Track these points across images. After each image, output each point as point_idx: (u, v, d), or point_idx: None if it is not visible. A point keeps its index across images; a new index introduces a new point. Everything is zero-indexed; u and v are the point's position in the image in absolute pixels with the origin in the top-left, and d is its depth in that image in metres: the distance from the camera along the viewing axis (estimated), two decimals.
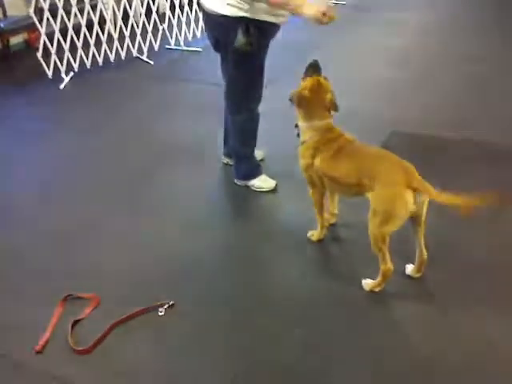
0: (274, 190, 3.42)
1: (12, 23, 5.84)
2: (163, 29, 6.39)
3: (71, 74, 5.45)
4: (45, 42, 5.27)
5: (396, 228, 2.38)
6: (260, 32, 2.86)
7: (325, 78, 2.69)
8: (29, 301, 2.55)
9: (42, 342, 2.27)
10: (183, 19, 6.51)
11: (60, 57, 5.38)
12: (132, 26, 6.04)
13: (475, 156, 3.79)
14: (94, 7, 5.66)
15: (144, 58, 6.07)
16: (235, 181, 3.50)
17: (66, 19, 5.34)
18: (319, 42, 6.25)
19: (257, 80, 3.17)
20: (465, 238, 2.94)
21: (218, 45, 3.10)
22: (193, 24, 6.68)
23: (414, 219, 2.44)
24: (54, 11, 5.24)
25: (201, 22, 6.30)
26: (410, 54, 6.11)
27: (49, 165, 3.83)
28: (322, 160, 2.64)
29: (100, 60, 5.81)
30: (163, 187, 3.51)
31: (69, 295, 2.53)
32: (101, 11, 5.73)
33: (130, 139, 4.19)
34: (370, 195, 2.43)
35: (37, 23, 5.21)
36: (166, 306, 2.46)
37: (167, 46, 6.44)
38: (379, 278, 2.52)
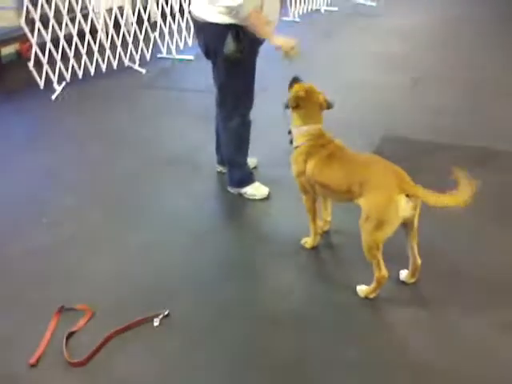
0: (266, 198, 3.42)
1: (3, 34, 5.82)
2: (155, 38, 6.40)
3: (63, 83, 5.45)
4: (36, 53, 5.26)
5: (389, 234, 2.39)
6: (250, 38, 2.90)
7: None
8: (23, 313, 2.54)
9: (36, 355, 2.26)
10: (175, 28, 6.52)
11: (52, 67, 5.37)
12: (123, 35, 6.04)
13: (465, 160, 3.81)
14: (85, 17, 5.66)
15: (136, 66, 6.07)
16: (228, 188, 3.50)
17: (57, 29, 5.34)
18: (309, 48, 6.27)
19: (248, 86, 3.18)
20: (458, 244, 2.96)
21: (208, 52, 3.12)
22: (184, 32, 6.69)
23: (406, 224, 2.45)
24: (45, 21, 5.24)
25: (192, 31, 6.32)
26: (401, 59, 6.15)
27: (40, 173, 3.82)
28: (313, 166, 2.66)
29: (92, 69, 5.81)
30: (155, 196, 3.50)
31: (63, 307, 2.51)
32: (92, 21, 5.74)
33: (123, 148, 4.18)
34: (361, 201, 2.44)
35: (28, 34, 5.20)
36: (161, 317, 2.45)
37: (159, 55, 6.45)
38: (373, 285, 2.53)
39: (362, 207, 2.44)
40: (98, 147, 4.22)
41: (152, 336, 2.38)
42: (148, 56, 6.34)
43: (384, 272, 2.48)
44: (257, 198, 3.42)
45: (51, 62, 5.37)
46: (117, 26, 6.03)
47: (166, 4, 6.46)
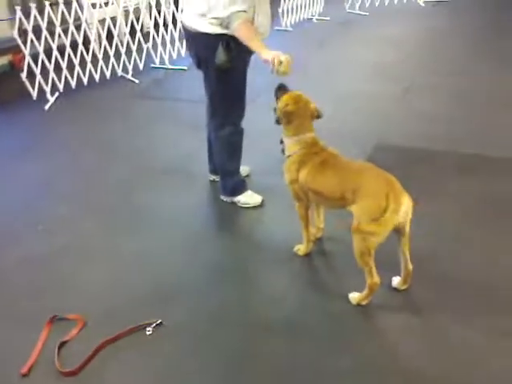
0: (259, 206, 3.43)
1: None
2: (148, 48, 6.42)
3: (56, 94, 5.46)
4: (29, 63, 5.27)
5: (380, 241, 2.40)
6: (241, 48, 2.90)
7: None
8: (14, 322, 2.53)
9: (28, 364, 2.25)
10: (167, 38, 6.55)
11: (45, 78, 5.39)
12: (116, 45, 6.07)
13: (457, 167, 3.84)
14: (78, 27, 5.69)
15: (129, 77, 6.09)
16: (221, 197, 3.51)
17: (50, 40, 5.36)
18: (300, 57, 6.31)
19: (239, 94, 3.20)
20: (449, 250, 2.96)
21: (199, 62, 3.12)
22: (177, 42, 6.72)
23: (398, 230, 2.46)
24: (37, 32, 5.26)
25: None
26: (393, 68, 6.19)
27: (33, 184, 3.82)
28: (306, 174, 2.66)
29: (85, 80, 5.82)
30: (149, 205, 3.50)
31: (55, 316, 2.51)
32: (85, 31, 5.76)
33: (116, 157, 4.19)
34: (353, 208, 2.45)
35: (21, 45, 5.22)
36: (153, 325, 2.45)
37: (152, 65, 6.47)
38: (366, 292, 2.53)
39: (354, 214, 2.45)
40: (91, 157, 4.22)
41: (144, 344, 2.37)
42: (141, 66, 6.36)
43: (376, 279, 2.48)
44: (250, 206, 3.43)
45: (44, 72, 5.39)
46: (110, 36, 6.06)
47: (159, 14, 6.50)
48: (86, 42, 5.87)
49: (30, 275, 2.86)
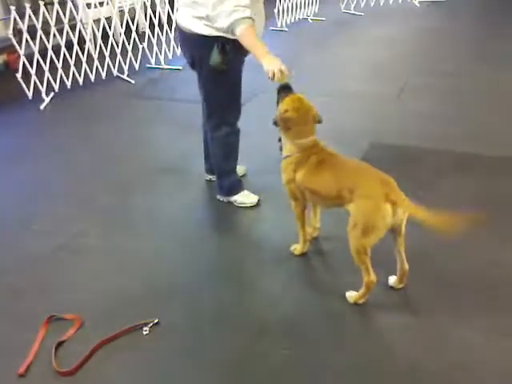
0: (256, 205, 3.43)
1: None
2: (143, 48, 6.42)
3: (52, 94, 5.45)
4: (24, 63, 5.26)
5: (376, 240, 2.40)
6: (236, 49, 2.87)
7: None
8: (11, 322, 2.52)
9: (25, 365, 2.25)
10: (163, 38, 6.55)
11: (40, 78, 5.37)
12: (112, 45, 6.06)
13: (452, 166, 3.85)
14: (73, 27, 5.68)
15: (125, 77, 6.08)
16: (218, 196, 3.51)
17: (45, 40, 5.35)
18: (296, 57, 6.33)
19: (234, 95, 3.19)
20: (445, 249, 2.97)
21: (194, 63, 3.10)
22: (173, 42, 6.71)
23: (394, 230, 2.47)
24: (32, 32, 5.25)
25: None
26: (388, 68, 6.21)
27: (28, 185, 3.81)
28: (303, 173, 2.66)
29: (80, 80, 5.81)
30: (145, 205, 3.50)
31: (52, 316, 2.50)
32: (80, 31, 5.75)
33: (111, 157, 4.18)
34: (350, 207, 2.46)
35: (16, 45, 5.21)
36: (150, 325, 2.45)
37: (148, 65, 6.47)
38: (363, 290, 2.54)
39: (351, 213, 2.46)
40: (86, 157, 4.21)
41: (141, 344, 2.37)
42: (137, 66, 6.35)
43: (373, 277, 2.49)
44: (246, 205, 3.43)
45: (39, 72, 5.38)
46: (105, 36, 6.05)
47: (154, 14, 6.49)
48: (81, 41, 5.86)
49: (25, 275, 2.86)
